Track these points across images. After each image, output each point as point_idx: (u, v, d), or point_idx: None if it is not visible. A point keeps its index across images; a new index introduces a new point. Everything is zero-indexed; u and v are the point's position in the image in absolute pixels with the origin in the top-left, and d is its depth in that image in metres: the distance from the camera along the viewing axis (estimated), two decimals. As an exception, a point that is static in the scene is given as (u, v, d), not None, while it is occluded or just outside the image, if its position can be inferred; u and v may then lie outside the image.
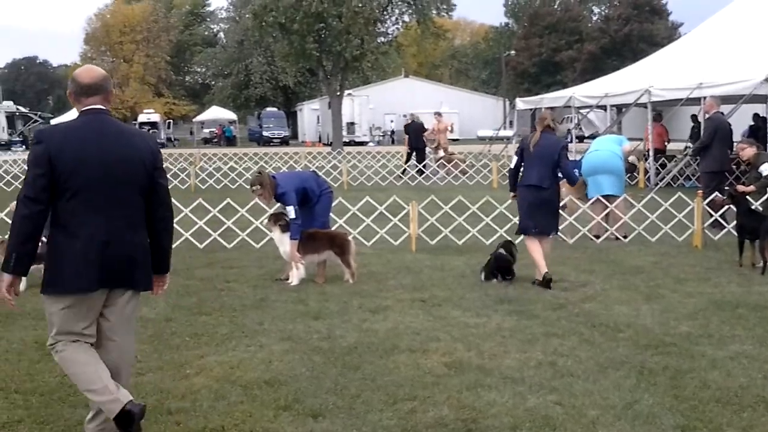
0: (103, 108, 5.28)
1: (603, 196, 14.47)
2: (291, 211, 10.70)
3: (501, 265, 10.95)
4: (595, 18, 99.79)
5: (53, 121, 78.46)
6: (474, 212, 14.74)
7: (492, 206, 14.64)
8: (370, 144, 70.67)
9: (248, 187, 12.00)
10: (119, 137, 5.24)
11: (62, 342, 5.36)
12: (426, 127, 31.00)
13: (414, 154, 30.36)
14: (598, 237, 14.36)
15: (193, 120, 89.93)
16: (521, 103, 36.29)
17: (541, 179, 10.67)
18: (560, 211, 14.06)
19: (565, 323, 8.69)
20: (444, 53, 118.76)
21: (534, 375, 6.90)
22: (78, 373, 5.30)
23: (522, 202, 10.93)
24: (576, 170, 20.25)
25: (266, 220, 11.63)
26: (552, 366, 7.15)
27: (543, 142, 10.70)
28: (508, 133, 48.38)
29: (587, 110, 34.90)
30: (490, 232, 14.04)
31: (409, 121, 31.38)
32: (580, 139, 42.50)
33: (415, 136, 30.28)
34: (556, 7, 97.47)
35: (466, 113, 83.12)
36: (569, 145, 36.03)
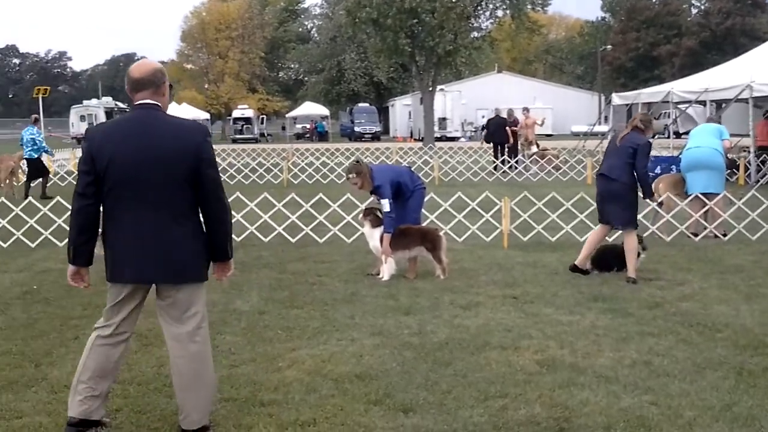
0: (152, 102, 5.36)
1: (702, 193, 14.11)
2: (386, 204, 10.67)
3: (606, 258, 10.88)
4: (694, 12, 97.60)
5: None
6: (568, 208, 14.55)
7: (586, 203, 14.40)
8: (462, 139, 70.47)
9: (339, 181, 12.06)
10: (163, 131, 5.30)
11: (99, 329, 5.67)
12: (507, 121, 30.97)
13: (497, 149, 30.50)
14: (696, 235, 14.03)
15: (286, 116, 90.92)
16: (617, 98, 35.70)
17: (610, 169, 10.69)
18: (657, 208, 13.85)
19: (661, 322, 8.50)
20: (538, 48, 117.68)
21: (628, 374, 6.77)
22: (82, 362, 5.56)
23: (596, 191, 11.09)
24: (674, 167, 19.90)
25: (359, 215, 11.63)
26: (647, 365, 7.01)
27: (628, 137, 10.69)
28: (603, 128, 47.65)
29: (686, 105, 34.13)
30: (584, 228, 13.83)
31: (492, 116, 31.43)
32: (678, 135, 41.59)
33: (497, 131, 30.31)
34: (654, 1, 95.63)
35: (560, 108, 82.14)
36: (667, 140, 35.48)
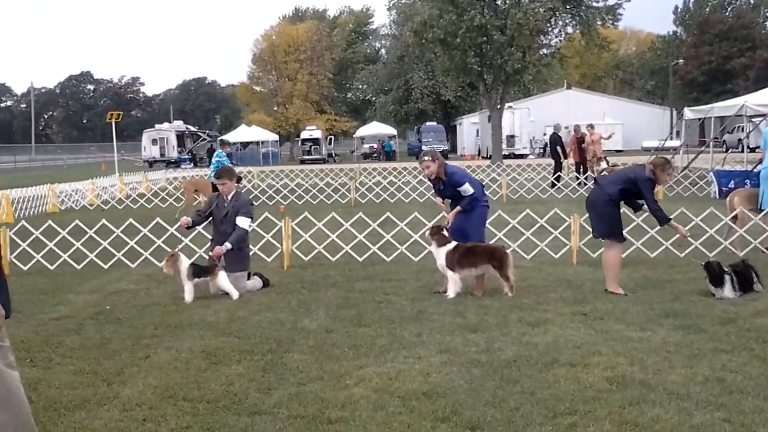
0: None
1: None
2: (467, 189, 11.05)
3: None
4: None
5: (219, 139, 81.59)
6: (638, 224, 14.34)
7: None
8: (530, 156, 70.06)
9: (406, 200, 12.08)
10: None
11: None
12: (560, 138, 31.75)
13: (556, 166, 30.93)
14: (770, 250, 13.72)
15: (354, 136, 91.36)
16: (690, 113, 35.15)
17: (605, 183, 11.11)
18: (731, 223, 13.60)
19: (735, 338, 8.32)
20: (608, 63, 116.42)
21: (701, 391, 6.63)
22: None
23: None
24: (747, 181, 19.48)
25: (427, 233, 11.59)
26: (720, 382, 6.86)
27: (634, 168, 11.22)
28: (675, 143, 46.95)
29: (760, 119, 33.48)
30: (655, 245, 13.64)
31: (551, 133, 31.72)
32: (752, 149, 40.78)
33: (552, 148, 30.89)
34: (727, 14, 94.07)
35: (631, 124, 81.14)
36: (741, 155, 34.83)
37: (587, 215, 11.42)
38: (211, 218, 11.99)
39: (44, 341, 8.97)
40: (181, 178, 37.45)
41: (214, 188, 20.35)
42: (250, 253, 12.30)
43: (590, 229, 13.82)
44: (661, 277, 11.90)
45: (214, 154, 24.39)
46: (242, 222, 11.64)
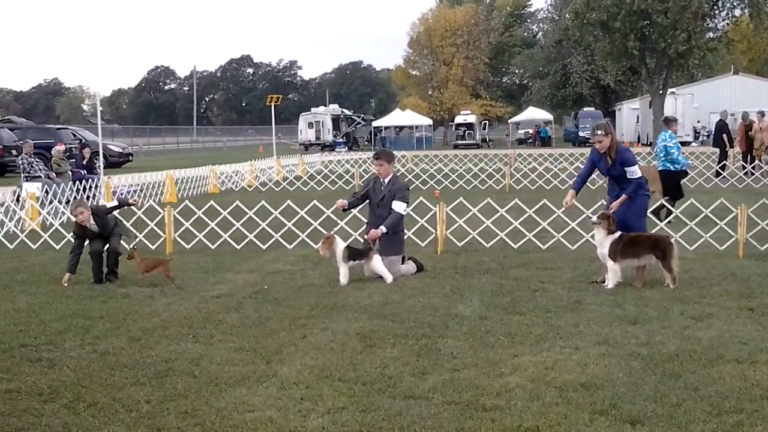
0: None
1: None
2: (636, 171, 10.86)
3: None
4: None
5: (375, 123, 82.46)
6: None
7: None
8: (693, 144, 67.74)
9: (562, 187, 11.86)
10: None
11: None
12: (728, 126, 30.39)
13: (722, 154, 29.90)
14: None
15: (509, 121, 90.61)
16: None
17: None
18: None
19: None
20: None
21: None
22: None
23: None
24: None
25: (592, 219, 11.19)
26: None
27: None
28: None
29: None
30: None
31: (718, 120, 30.59)
32: None
33: (718, 135, 29.79)
34: None
35: (802, 111, 77.15)
36: None
37: (756, 205, 10.88)
38: (367, 201, 12.08)
39: (206, 318, 9.25)
40: (336, 162, 37.94)
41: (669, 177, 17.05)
42: (405, 238, 12.32)
43: (758, 221, 13.24)
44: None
45: (660, 136, 17.68)
46: (398, 206, 11.67)
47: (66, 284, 11.25)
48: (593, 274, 11.24)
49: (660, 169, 17.23)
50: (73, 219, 11.66)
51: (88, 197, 21.01)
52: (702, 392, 6.39)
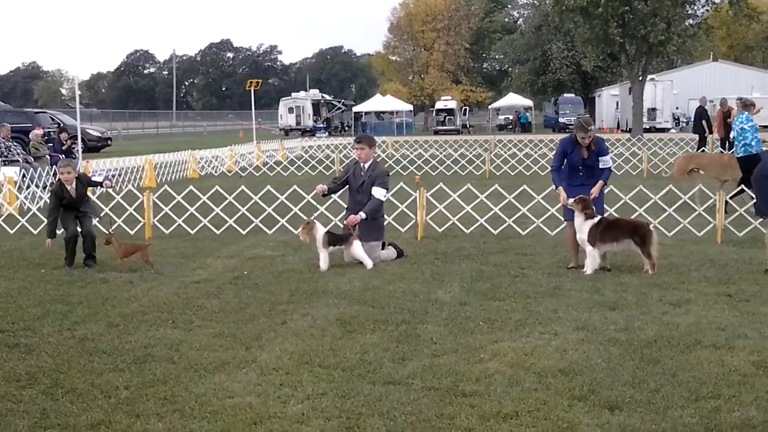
0: None
1: None
2: (608, 160, 11.16)
3: None
4: None
5: (355, 109, 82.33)
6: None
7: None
8: (672, 130, 68.00)
9: (542, 173, 11.87)
10: None
11: None
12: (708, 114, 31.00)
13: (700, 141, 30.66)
14: None
15: (489, 107, 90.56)
16: None
17: None
18: None
19: None
20: (758, 35, 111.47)
21: None
22: None
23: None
24: None
25: (571, 200, 11.13)
26: None
27: None
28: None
29: None
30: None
31: (698, 106, 30.96)
32: None
33: (696, 122, 30.38)
34: None
35: (782, 99, 77.62)
36: None
37: (734, 192, 10.94)
38: (347, 186, 12.06)
39: (185, 304, 9.22)
40: (316, 147, 37.90)
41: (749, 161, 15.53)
42: (385, 223, 12.32)
43: (736, 207, 13.33)
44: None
45: (737, 119, 16.99)
46: (378, 192, 11.66)
47: (50, 248, 11.40)
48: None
49: (740, 155, 16.45)
50: (59, 175, 11.55)
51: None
52: (680, 378, 6.43)
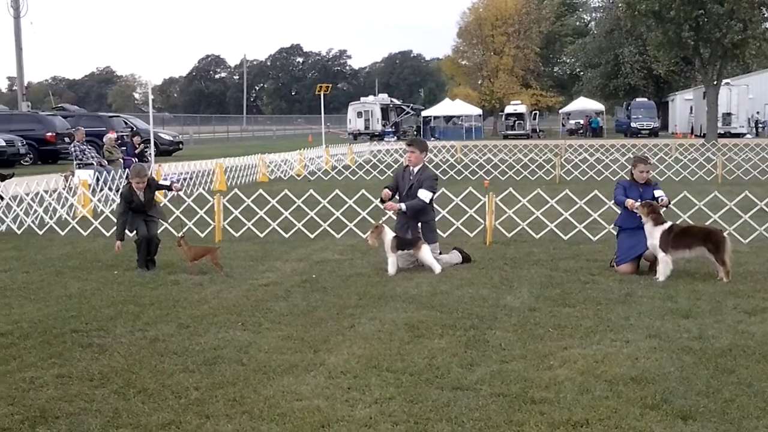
0: None
1: None
2: (661, 191, 11.15)
3: None
4: None
5: (424, 113, 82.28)
6: None
7: None
8: (748, 136, 66.65)
9: (614, 178, 11.71)
10: None
11: None
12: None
13: None
14: None
15: (560, 111, 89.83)
16: None
17: None
18: None
19: None
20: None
21: None
22: None
23: None
24: None
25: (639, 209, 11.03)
26: None
27: None
28: None
29: None
30: None
31: None
32: None
33: None
34: None
35: None
36: None
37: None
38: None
39: (254, 306, 9.28)
40: (385, 152, 37.95)
41: None
42: (452, 228, 12.24)
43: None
44: None
45: None
46: (423, 194, 11.60)
47: (119, 250, 11.50)
48: (644, 266, 11.07)
49: None
50: (130, 180, 11.69)
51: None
52: (755, 388, 6.28)
